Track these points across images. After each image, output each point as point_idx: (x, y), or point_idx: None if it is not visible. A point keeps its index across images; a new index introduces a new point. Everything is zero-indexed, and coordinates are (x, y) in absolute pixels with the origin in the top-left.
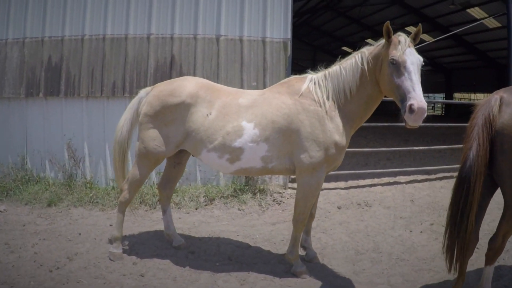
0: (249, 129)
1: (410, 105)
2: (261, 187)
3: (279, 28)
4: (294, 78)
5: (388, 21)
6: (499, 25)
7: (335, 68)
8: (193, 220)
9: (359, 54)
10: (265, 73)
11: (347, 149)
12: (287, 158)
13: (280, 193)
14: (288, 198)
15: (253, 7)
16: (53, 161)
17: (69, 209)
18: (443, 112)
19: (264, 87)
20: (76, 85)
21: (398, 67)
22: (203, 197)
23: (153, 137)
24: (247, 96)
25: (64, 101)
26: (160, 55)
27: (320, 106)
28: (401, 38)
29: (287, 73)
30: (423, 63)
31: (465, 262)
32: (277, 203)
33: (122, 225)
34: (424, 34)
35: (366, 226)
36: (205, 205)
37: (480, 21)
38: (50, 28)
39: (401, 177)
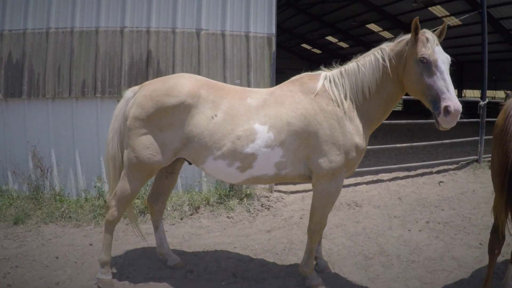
0: (263, 132)
1: (446, 107)
2: (247, 192)
3: (263, 22)
4: (306, 75)
5: (417, 17)
6: (460, 23)
7: (351, 65)
8: (182, 233)
9: (379, 51)
10: (249, 70)
11: None
12: (302, 164)
13: (267, 197)
14: (275, 202)
15: None
16: (16, 172)
17: (39, 226)
18: (403, 108)
19: (248, 85)
20: (41, 85)
21: (429, 66)
22: (187, 205)
23: (146, 145)
24: (256, 95)
25: (27, 103)
26: (135, 50)
27: (338, 106)
28: (429, 35)
29: (271, 70)
30: (450, 62)
31: (494, 262)
32: (266, 208)
33: (110, 247)
34: (385, 32)
35: (363, 228)
36: (191, 215)
37: (442, 18)
38: (10, 20)
39: (383, 174)
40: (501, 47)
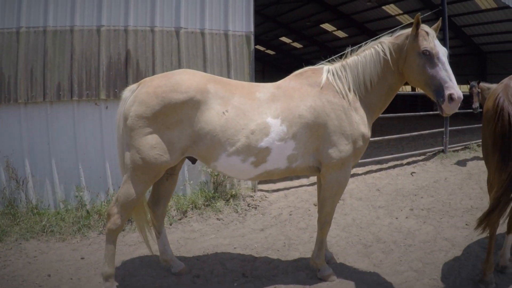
0: (276, 125)
1: (450, 95)
2: (233, 192)
3: (241, 20)
4: (309, 69)
5: (419, 14)
6: (412, 20)
7: (352, 58)
8: (176, 238)
9: (379, 45)
10: (229, 68)
11: None
12: (311, 155)
13: (251, 196)
14: (260, 201)
15: None
16: None
17: (20, 243)
18: None
19: None
20: (12, 89)
21: (431, 58)
22: (175, 210)
23: (153, 144)
24: (263, 89)
25: None
26: (113, 50)
27: (343, 97)
28: (428, 30)
29: (251, 68)
30: (447, 54)
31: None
32: (253, 208)
33: (114, 258)
34: (339, 31)
35: (353, 219)
36: (179, 219)
37: (394, 16)
38: None
39: (357, 168)
40: (452, 43)
